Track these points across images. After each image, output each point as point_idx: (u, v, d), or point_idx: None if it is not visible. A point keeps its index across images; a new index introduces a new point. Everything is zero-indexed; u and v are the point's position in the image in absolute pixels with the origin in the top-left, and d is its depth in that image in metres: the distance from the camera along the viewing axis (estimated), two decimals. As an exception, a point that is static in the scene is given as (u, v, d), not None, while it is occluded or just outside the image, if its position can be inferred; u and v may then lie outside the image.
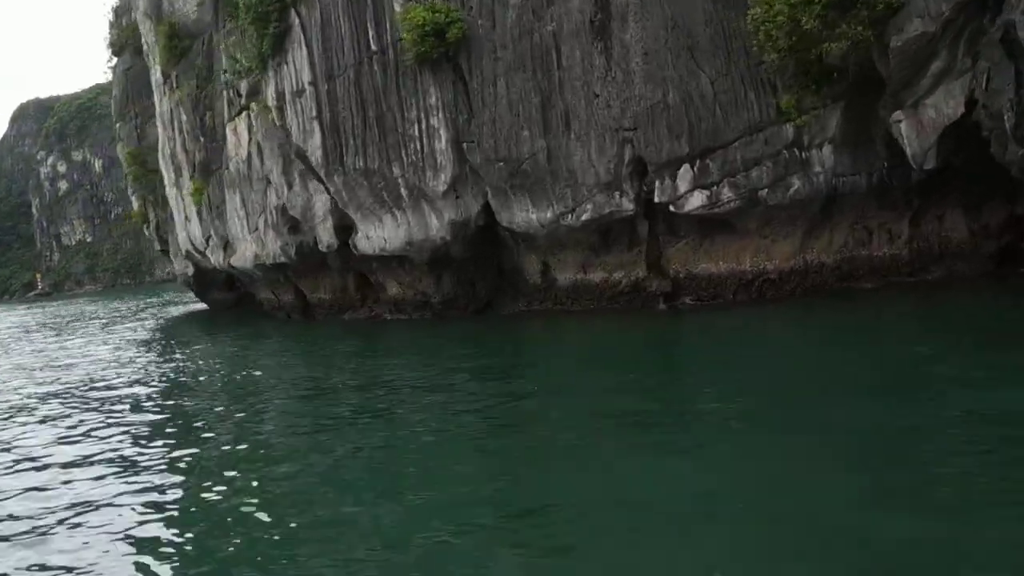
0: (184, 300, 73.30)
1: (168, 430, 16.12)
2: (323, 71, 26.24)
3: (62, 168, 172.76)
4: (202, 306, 60.01)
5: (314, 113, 26.40)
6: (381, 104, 25.41)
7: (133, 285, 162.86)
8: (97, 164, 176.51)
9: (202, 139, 39.41)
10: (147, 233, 57.01)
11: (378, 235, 26.76)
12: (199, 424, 16.50)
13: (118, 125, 55.87)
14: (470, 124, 24.78)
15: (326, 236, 31.08)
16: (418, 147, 25.00)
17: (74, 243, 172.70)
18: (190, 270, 46.37)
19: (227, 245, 37.82)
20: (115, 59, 58.37)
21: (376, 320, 31.80)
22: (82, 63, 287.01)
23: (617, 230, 23.78)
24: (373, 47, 25.42)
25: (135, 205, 55.67)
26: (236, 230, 35.41)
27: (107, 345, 34.59)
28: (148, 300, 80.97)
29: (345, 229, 30.90)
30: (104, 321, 53.04)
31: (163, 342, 34.01)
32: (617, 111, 22.77)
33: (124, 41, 55.61)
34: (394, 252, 26.70)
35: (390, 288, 30.45)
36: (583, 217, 23.19)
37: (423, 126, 24.93)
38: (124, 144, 55.15)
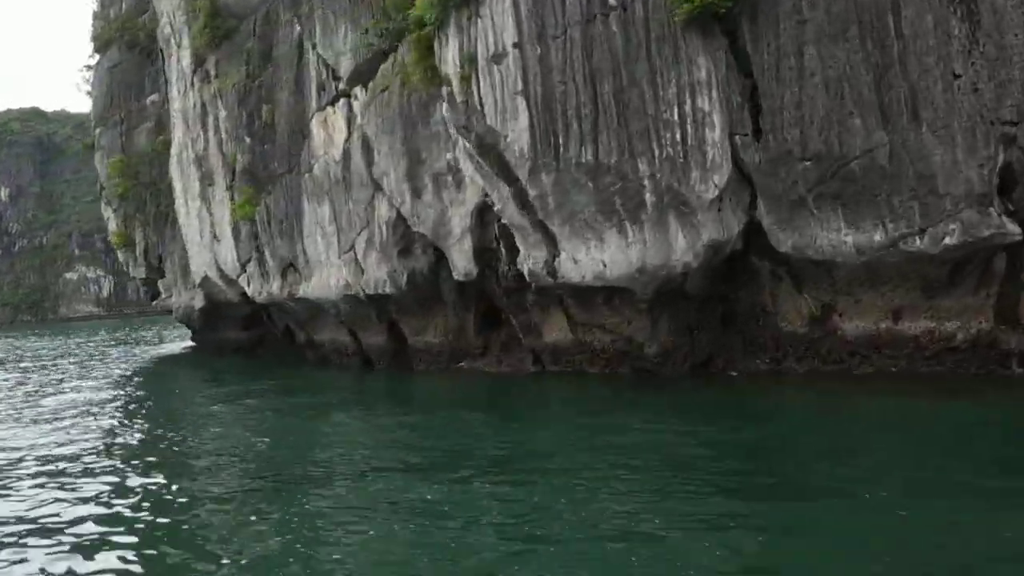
0: (141, 338, 62.58)
1: None
2: (534, 30, 18.65)
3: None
4: (176, 347, 50.19)
5: (519, 86, 18.69)
6: (620, 77, 17.96)
7: (35, 322, 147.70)
8: (3, 193, 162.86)
9: (248, 139, 30.89)
10: (121, 258, 47.19)
11: (593, 257, 19.05)
12: None
13: (97, 131, 46.42)
14: (744, 109, 17.58)
15: (463, 261, 23.15)
16: (677, 137, 17.63)
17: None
18: (199, 302, 37.11)
19: (289, 270, 29.17)
20: (96, 56, 49.06)
21: (516, 374, 23.87)
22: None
23: (974, 263, 16.80)
24: (611, 0, 18.02)
25: (113, 225, 45.91)
26: (317, 251, 26.94)
27: (118, 394, 25.55)
28: (91, 338, 69.75)
29: (486, 253, 23.15)
30: (76, 362, 42.98)
31: (215, 401, 25.18)
32: (991, 98, 15.93)
33: (111, 35, 46.61)
34: (615, 282, 19.01)
35: (549, 332, 22.60)
36: (946, 241, 16.11)
37: (686, 109, 17.60)
38: (105, 153, 45.70)
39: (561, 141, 18.49)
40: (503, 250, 22.97)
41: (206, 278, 35.15)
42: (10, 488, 13.88)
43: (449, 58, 19.88)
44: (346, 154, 25.44)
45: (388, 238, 24.59)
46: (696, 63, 17.67)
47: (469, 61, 19.34)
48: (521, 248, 21.52)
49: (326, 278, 26.65)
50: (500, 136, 19.02)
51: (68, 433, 18.78)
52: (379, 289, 25.11)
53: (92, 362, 41.32)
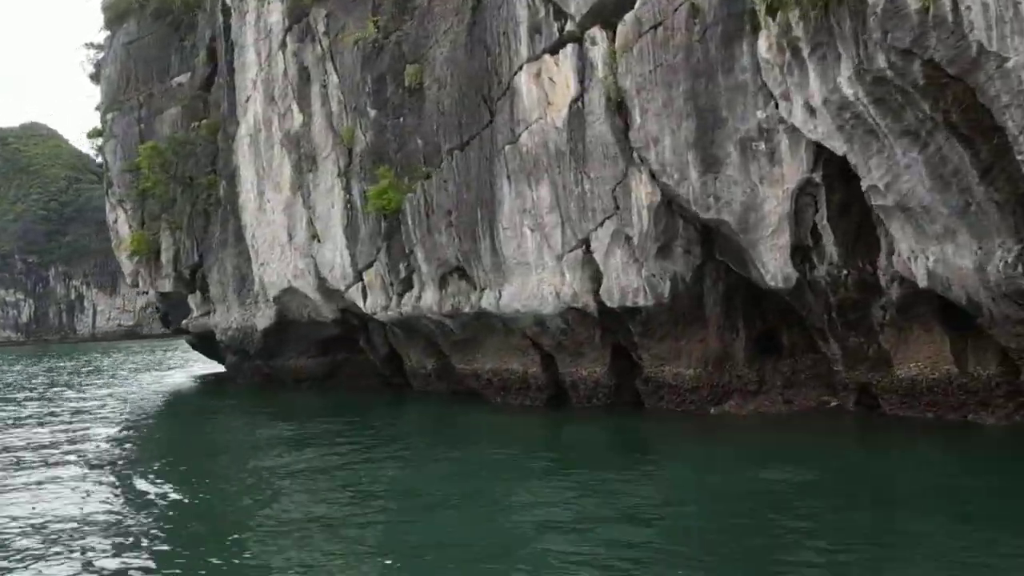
0: (105, 367, 52.16)
1: None
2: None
3: None
4: (180, 377, 40.98)
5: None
6: None
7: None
8: None
9: (374, 111, 23.15)
10: (128, 270, 38.03)
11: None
12: None
13: (109, 116, 37.53)
14: None
15: (777, 261, 16.17)
16: None
17: None
18: (264, 321, 28.68)
19: (451, 277, 21.39)
20: (105, 32, 40.23)
21: (813, 418, 16.94)
22: None
23: None
24: None
25: (124, 228, 36.84)
26: (521, 249, 19.35)
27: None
28: (57, 367, 58.97)
29: (799, 251, 16.18)
30: (93, 400, 33.71)
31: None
32: None
33: (129, 5, 37.89)
34: None
35: (906, 361, 15.67)
36: None
37: None
38: (119, 141, 36.98)
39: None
40: (833, 247, 16.00)
41: (289, 290, 26.89)
42: None
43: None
44: (576, 117, 18.08)
45: (648, 230, 17.27)
46: None
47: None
48: (907, 242, 14.55)
49: (534, 285, 19.02)
50: (989, 59, 12.02)
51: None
52: (627, 300, 17.72)
53: (108, 400, 32.20)
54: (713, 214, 16.45)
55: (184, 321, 34.35)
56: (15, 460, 17.76)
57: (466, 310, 20.88)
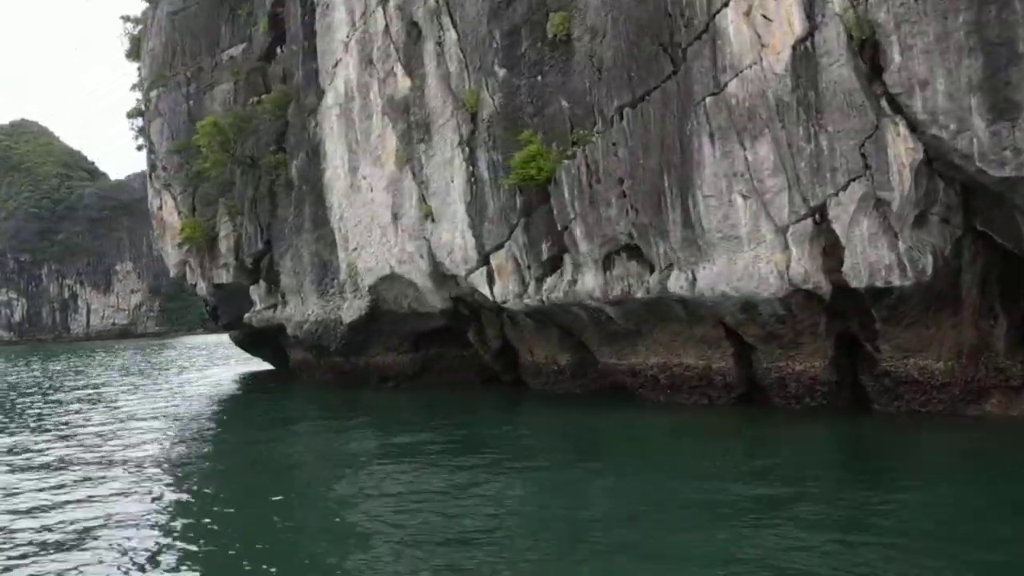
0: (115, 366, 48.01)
1: None
2: None
3: None
4: (217, 376, 37.13)
5: None
6: None
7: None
8: None
9: (503, 71, 19.60)
10: (173, 260, 34.14)
11: None
12: None
13: (153, 94, 33.57)
14: None
15: (1089, 229, 12.73)
16: None
17: None
18: (353, 313, 24.98)
19: (617, 257, 17.84)
20: (144, 4, 36.25)
21: None
22: None
23: None
24: None
25: (175, 213, 32.92)
26: (728, 220, 15.75)
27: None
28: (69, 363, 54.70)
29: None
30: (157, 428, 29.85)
31: None
32: None
33: (173, -27, 33.96)
34: None
35: None
36: None
37: None
38: (166, 120, 33.00)
39: None
40: None
41: (390, 277, 23.24)
42: None
43: None
44: (803, 60, 14.65)
45: (907, 194, 13.86)
46: None
47: None
48: None
49: (747, 263, 15.53)
50: None
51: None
52: (877, 279, 14.31)
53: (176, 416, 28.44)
54: (1011, 171, 13.04)
55: (246, 315, 30.48)
56: (88, 475, 14.33)
57: (639, 295, 17.36)
